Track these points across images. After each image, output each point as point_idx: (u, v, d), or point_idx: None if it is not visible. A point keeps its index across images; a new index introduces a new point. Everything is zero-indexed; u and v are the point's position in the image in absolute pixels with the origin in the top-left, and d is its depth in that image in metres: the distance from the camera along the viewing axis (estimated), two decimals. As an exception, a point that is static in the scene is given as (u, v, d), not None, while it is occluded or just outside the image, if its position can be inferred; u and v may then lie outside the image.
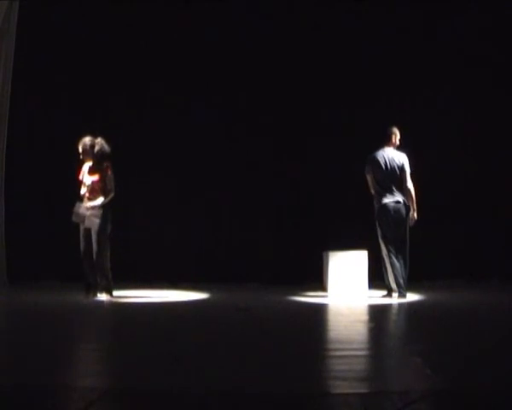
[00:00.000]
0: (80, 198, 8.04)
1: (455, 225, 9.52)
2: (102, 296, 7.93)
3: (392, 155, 7.99)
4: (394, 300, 7.86)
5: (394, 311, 7.41)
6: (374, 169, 8.07)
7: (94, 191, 7.98)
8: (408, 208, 7.94)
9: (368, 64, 9.60)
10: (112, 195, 7.98)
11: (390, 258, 7.97)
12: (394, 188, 7.96)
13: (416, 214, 7.93)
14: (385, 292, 8.14)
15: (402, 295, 7.87)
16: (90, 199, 7.97)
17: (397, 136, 8.09)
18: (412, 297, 8.02)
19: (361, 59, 9.63)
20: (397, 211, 7.95)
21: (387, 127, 8.12)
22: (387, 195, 8.00)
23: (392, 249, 7.96)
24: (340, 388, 3.76)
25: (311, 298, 8.27)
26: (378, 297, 8.12)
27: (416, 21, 9.72)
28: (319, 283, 8.82)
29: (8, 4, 9.52)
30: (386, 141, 8.07)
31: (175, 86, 9.76)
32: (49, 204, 9.32)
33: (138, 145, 9.64)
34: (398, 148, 8.08)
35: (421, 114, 9.23)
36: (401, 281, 7.88)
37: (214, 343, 5.09)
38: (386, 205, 7.99)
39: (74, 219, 7.95)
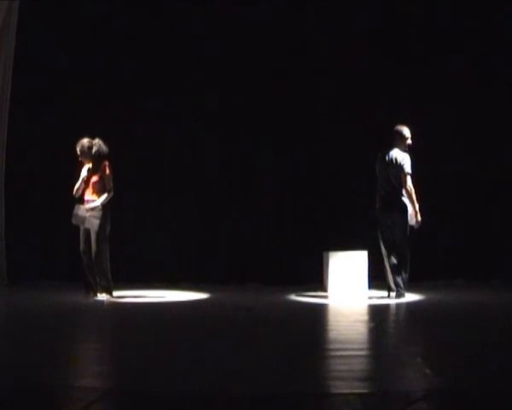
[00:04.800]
0: (80, 199, 8.05)
1: (455, 225, 9.51)
2: (102, 296, 7.94)
3: (394, 156, 7.95)
4: (394, 300, 7.86)
5: (394, 311, 7.41)
6: (378, 169, 8.07)
7: (93, 192, 8.00)
8: (407, 209, 7.91)
9: (368, 64, 9.60)
10: (111, 195, 7.99)
11: (389, 258, 7.98)
12: (394, 188, 7.94)
13: (419, 217, 7.89)
14: (386, 292, 8.15)
15: (400, 294, 7.86)
16: (89, 200, 7.98)
17: (402, 136, 7.98)
18: (412, 297, 8.02)
19: (363, 59, 9.62)
20: (395, 211, 7.93)
21: (393, 127, 8.08)
22: (387, 195, 8.00)
23: (390, 249, 7.96)
24: (340, 388, 3.76)
25: (311, 298, 8.27)
26: (378, 297, 8.12)
27: (416, 22, 9.72)
28: (319, 283, 8.81)
29: (8, 4, 9.53)
30: (391, 141, 8.04)
31: (174, 86, 9.76)
32: (49, 204, 9.32)
33: (138, 145, 9.64)
34: (409, 147, 8.00)
35: (420, 114, 9.21)
36: (399, 281, 7.87)
37: (214, 344, 5.09)
38: (384, 205, 7.99)
39: (74, 221, 7.95)
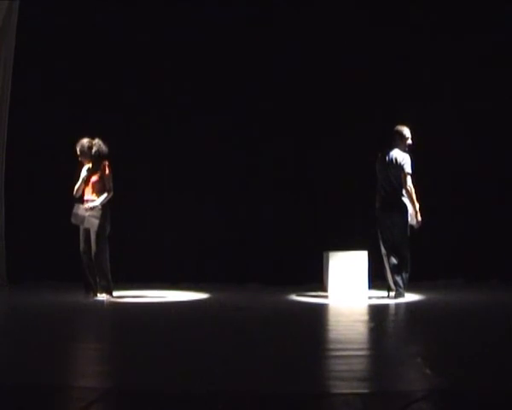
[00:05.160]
0: (79, 199, 8.06)
1: (455, 225, 9.51)
2: (102, 296, 7.94)
3: (395, 156, 7.94)
4: (393, 299, 7.86)
5: (394, 311, 7.41)
6: (378, 169, 8.07)
7: (93, 192, 8.00)
8: (407, 210, 7.91)
9: (368, 64, 9.60)
10: (111, 195, 7.99)
11: (388, 257, 7.98)
12: (394, 189, 7.94)
13: (419, 217, 7.90)
14: (385, 292, 8.16)
15: (399, 294, 7.86)
16: (88, 200, 7.98)
17: (402, 136, 7.98)
18: (412, 297, 8.02)
19: (363, 59, 9.62)
20: (394, 212, 7.93)
21: (393, 127, 8.09)
22: (387, 195, 8.00)
23: (390, 249, 7.96)
24: (340, 388, 3.76)
25: (311, 298, 8.27)
26: (378, 297, 8.12)
27: (416, 21, 9.72)
28: (319, 283, 8.81)
29: (8, 4, 9.53)
30: (391, 141, 8.04)
31: (174, 86, 9.76)
32: (49, 204, 9.32)
33: (138, 145, 9.64)
34: (410, 147, 7.99)
35: (420, 113, 9.21)
36: (399, 280, 7.86)
37: (214, 344, 5.09)
38: (384, 205, 8.00)
39: (73, 220, 7.95)
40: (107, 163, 8.01)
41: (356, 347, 5.08)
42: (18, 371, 4.02)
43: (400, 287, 7.88)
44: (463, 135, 9.53)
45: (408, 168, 7.87)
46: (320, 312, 7.36)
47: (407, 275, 7.97)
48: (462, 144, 9.50)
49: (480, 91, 9.56)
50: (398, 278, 7.87)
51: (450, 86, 9.64)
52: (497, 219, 9.56)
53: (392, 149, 7.99)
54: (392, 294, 7.98)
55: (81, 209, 7.94)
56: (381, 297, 8.09)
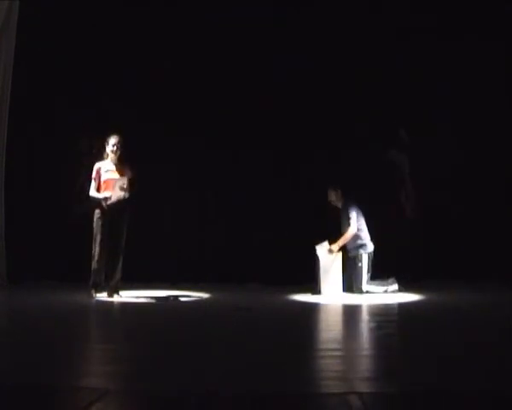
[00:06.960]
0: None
1: (455, 225, 9.52)
2: (102, 296, 7.94)
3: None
4: (392, 299, 7.88)
5: (394, 311, 7.42)
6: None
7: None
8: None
9: (368, 64, 9.61)
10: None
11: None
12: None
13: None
14: (384, 291, 8.18)
15: (397, 290, 7.89)
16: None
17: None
18: (412, 297, 8.03)
19: (362, 59, 9.63)
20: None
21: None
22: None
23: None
24: (340, 388, 3.76)
25: (311, 298, 8.26)
26: (377, 297, 8.13)
27: (416, 23, 9.73)
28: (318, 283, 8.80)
29: (8, 4, 9.54)
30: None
31: (176, 86, 9.76)
32: (49, 204, 9.32)
33: (138, 145, 9.62)
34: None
35: (420, 115, 9.22)
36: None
37: (214, 344, 5.09)
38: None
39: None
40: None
41: (356, 347, 5.08)
42: (18, 371, 4.02)
43: (398, 283, 7.91)
44: (463, 135, 9.54)
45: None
46: (319, 312, 7.37)
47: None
48: (462, 145, 9.51)
49: (480, 92, 9.56)
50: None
51: (450, 87, 9.64)
52: (496, 220, 9.57)
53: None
54: (391, 291, 7.99)
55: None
56: (380, 297, 8.10)
